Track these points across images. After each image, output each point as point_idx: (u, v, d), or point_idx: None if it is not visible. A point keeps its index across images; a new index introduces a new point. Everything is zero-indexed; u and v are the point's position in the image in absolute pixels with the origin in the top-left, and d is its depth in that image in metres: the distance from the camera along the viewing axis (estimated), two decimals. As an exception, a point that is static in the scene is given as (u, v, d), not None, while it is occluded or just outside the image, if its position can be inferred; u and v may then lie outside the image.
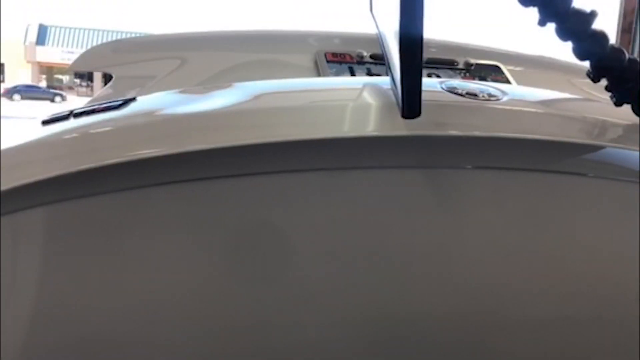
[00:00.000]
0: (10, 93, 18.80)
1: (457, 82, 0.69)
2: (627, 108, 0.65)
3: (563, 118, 0.63)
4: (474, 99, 0.63)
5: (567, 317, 0.63)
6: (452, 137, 0.59)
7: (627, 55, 0.60)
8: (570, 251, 0.62)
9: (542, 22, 0.58)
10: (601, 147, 0.62)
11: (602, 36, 0.59)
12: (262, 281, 0.59)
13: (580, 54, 0.60)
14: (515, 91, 0.72)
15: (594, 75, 0.61)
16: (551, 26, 0.58)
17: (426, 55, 1.39)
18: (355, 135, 0.58)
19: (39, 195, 0.56)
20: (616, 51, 0.60)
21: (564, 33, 0.58)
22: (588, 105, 0.83)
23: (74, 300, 0.58)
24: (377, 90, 0.68)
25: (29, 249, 0.57)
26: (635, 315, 0.62)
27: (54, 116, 0.65)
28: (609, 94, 0.64)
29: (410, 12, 0.50)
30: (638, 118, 0.66)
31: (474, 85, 0.68)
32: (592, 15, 0.58)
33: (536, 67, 1.17)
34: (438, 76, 1.37)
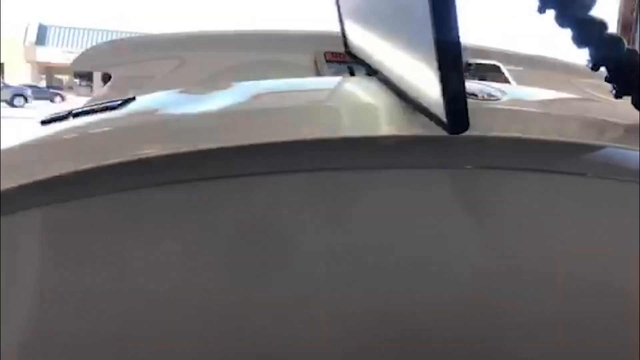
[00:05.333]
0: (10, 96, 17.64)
1: (457, 82, 0.68)
2: (627, 108, 0.65)
3: (563, 118, 0.63)
4: (473, 98, 0.63)
5: (566, 317, 0.63)
6: (452, 137, 0.59)
7: (625, 45, 0.60)
8: (571, 251, 0.62)
9: (541, 9, 0.58)
10: (601, 147, 0.62)
11: (600, 24, 0.59)
12: (262, 281, 0.59)
13: (578, 43, 0.60)
14: (514, 91, 0.72)
15: (593, 65, 0.61)
16: (551, 17, 0.58)
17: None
18: (355, 135, 0.58)
19: (39, 195, 0.56)
20: (614, 40, 0.59)
21: (563, 21, 0.58)
22: (588, 105, 0.83)
23: (73, 300, 0.58)
24: (377, 92, 0.68)
25: (29, 249, 0.57)
26: (636, 315, 0.62)
27: (53, 116, 0.65)
28: (610, 86, 0.64)
29: (445, 21, 0.48)
30: (638, 118, 0.66)
31: (473, 85, 0.68)
32: (592, 2, 0.58)
33: (536, 67, 1.16)
34: (438, 76, 1.37)
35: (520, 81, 1.28)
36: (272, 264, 0.59)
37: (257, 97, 0.68)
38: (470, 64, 1.37)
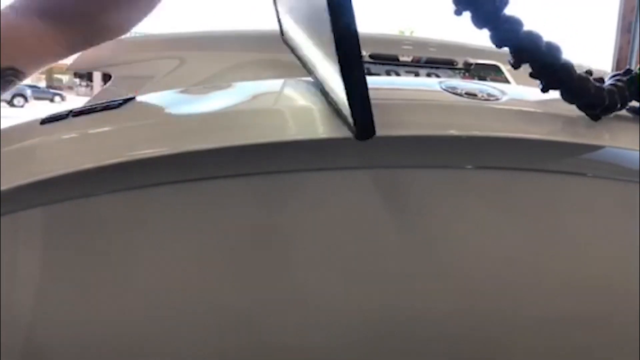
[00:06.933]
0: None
1: (457, 82, 0.69)
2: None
3: (563, 118, 0.63)
4: (473, 98, 0.63)
5: (566, 317, 0.64)
6: (452, 137, 0.59)
7: (544, 40, 0.60)
8: (570, 251, 0.62)
9: (457, 12, 0.57)
10: (601, 147, 0.62)
11: (517, 22, 0.58)
12: (263, 280, 0.59)
13: (497, 42, 0.59)
14: (514, 91, 0.72)
15: (514, 62, 0.61)
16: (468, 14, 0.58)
17: (426, 55, 1.40)
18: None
19: (39, 195, 0.56)
20: (533, 37, 0.59)
21: (479, 21, 0.58)
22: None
23: (74, 300, 0.58)
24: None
25: (29, 249, 0.57)
26: (636, 315, 0.62)
27: (53, 116, 0.65)
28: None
29: (341, 18, 0.45)
30: (638, 117, 0.66)
31: (473, 85, 0.68)
32: (504, 1, 0.58)
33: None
34: (437, 76, 1.37)
35: (520, 81, 1.28)
36: (273, 264, 0.59)
37: (257, 97, 0.68)
38: (470, 64, 1.37)
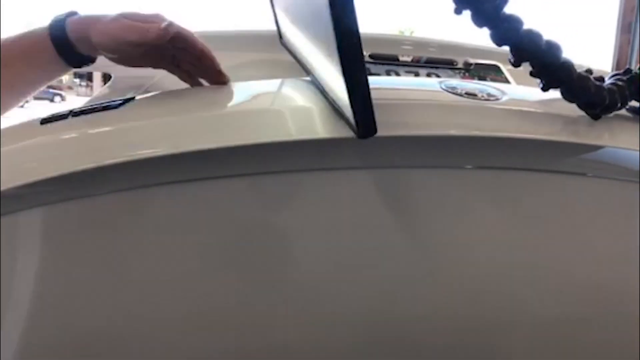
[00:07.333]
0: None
1: (457, 82, 0.69)
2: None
3: (563, 118, 0.63)
4: (473, 98, 0.63)
5: (566, 318, 0.64)
6: (452, 137, 0.59)
7: (544, 39, 0.60)
8: (570, 251, 0.62)
9: (457, 10, 0.58)
10: (601, 147, 0.62)
11: (515, 20, 0.58)
12: (262, 281, 0.59)
13: (497, 41, 0.59)
14: (514, 91, 0.72)
15: (514, 61, 0.61)
16: (468, 13, 0.58)
17: (426, 54, 1.40)
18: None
19: (39, 195, 0.56)
20: (533, 35, 0.59)
21: (479, 20, 0.58)
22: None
23: (73, 300, 0.58)
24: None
25: (29, 249, 0.57)
26: (636, 315, 0.62)
27: (53, 116, 0.65)
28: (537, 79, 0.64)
29: (342, 18, 0.45)
30: (638, 117, 0.66)
31: (473, 85, 0.68)
32: (504, 0, 0.58)
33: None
34: (437, 76, 1.37)
35: (520, 81, 1.28)
36: (273, 264, 0.59)
37: (257, 97, 0.68)
38: (470, 64, 1.37)
